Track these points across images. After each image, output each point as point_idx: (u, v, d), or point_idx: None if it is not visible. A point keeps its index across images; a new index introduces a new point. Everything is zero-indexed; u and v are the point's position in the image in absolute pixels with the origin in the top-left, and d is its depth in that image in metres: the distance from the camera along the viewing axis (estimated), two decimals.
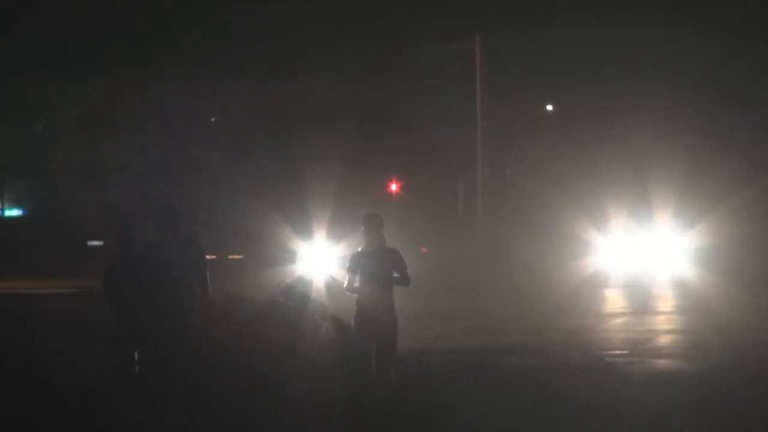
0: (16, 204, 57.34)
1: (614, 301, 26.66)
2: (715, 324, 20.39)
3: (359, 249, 11.63)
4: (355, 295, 11.57)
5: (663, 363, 15.89)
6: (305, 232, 34.62)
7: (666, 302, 25.88)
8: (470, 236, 41.91)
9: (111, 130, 52.89)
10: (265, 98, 53.35)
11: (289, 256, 33.41)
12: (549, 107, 55.16)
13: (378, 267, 11.49)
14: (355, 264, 11.54)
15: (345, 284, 11.65)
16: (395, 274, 11.56)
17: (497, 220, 42.73)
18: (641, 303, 25.55)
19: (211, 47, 51.88)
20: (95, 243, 36.11)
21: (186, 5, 53.40)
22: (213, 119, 56.82)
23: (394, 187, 50.76)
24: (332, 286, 23.04)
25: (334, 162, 46.27)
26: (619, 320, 22.22)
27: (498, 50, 44.49)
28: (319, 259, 31.57)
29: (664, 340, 18.72)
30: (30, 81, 52.39)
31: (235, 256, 40.15)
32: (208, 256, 11.68)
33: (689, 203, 35.63)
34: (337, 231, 32.48)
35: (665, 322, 21.69)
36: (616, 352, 17.21)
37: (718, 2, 48.44)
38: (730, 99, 47.71)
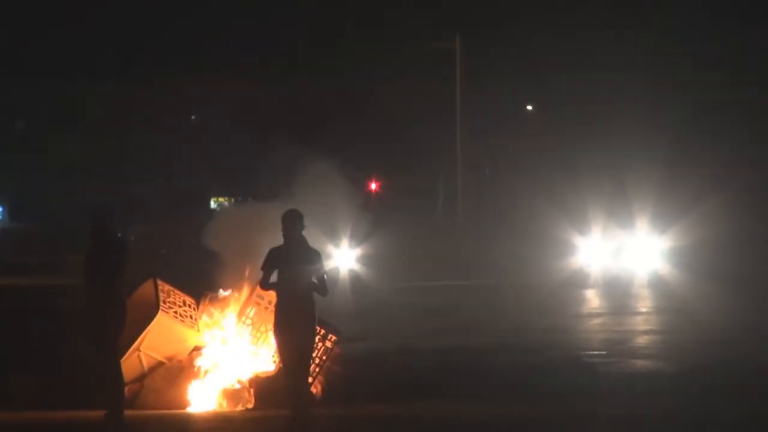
0: None
1: (593, 301, 26.74)
2: (691, 324, 20.48)
3: (276, 246, 10.71)
4: (272, 292, 10.76)
5: (640, 363, 15.98)
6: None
7: (644, 302, 25.98)
8: (450, 234, 41.89)
9: (96, 128, 52.80)
10: (243, 98, 53.32)
11: None
12: (529, 107, 55.32)
13: (297, 265, 10.53)
14: (272, 262, 10.64)
15: (260, 281, 10.80)
16: (313, 279, 10.60)
17: (476, 219, 42.78)
18: (620, 303, 25.63)
19: (194, 46, 51.95)
20: None
21: (166, 5, 53.45)
22: (193, 118, 56.78)
23: (373, 186, 50.75)
24: None
25: (312, 161, 46.16)
26: (597, 320, 22.30)
27: (478, 50, 44.60)
28: None
29: (641, 340, 18.81)
30: (10, 78, 52.30)
31: None
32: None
33: (667, 204, 35.73)
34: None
35: (643, 323, 21.78)
36: (595, 352, 17.29)
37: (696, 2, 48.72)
38: (708, 101, 47.91)
